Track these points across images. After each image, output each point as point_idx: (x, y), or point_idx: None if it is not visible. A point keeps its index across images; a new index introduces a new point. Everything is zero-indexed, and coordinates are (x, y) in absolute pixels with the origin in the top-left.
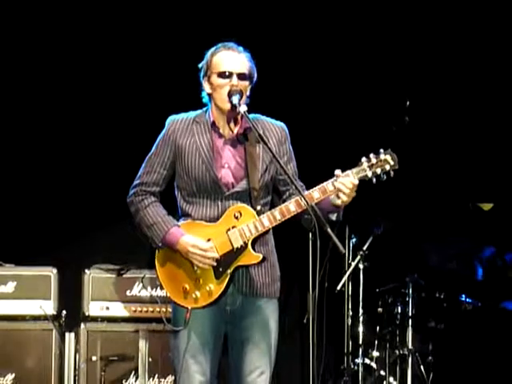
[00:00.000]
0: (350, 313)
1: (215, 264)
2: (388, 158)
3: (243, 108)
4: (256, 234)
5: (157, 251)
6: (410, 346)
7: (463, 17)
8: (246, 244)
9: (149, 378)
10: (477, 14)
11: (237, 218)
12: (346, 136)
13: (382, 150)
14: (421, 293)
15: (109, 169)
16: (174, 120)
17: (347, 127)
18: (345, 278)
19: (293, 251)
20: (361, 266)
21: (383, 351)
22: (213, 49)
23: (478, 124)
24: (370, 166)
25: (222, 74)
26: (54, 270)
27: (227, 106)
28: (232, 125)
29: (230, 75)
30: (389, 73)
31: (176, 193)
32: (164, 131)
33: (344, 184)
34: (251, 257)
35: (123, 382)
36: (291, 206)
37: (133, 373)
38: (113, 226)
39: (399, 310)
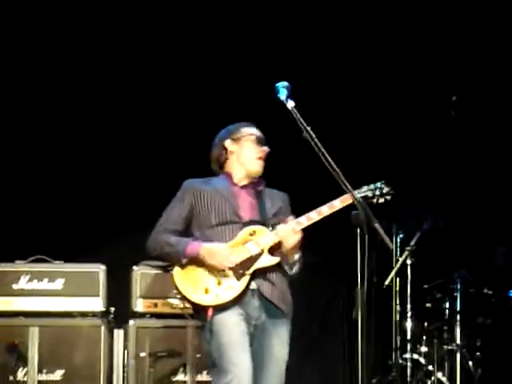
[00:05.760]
0: (398, 308)
1: (234, 264)
2: (383, 185)
3: (291, 104)
4: (272, 243)
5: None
6: (459, 342)
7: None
8: (262, 250)
9: (197, 374)
10: None
11: (252, 235)
12: (391, 134)
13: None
14: (469, 288)
15: (156, 167)
16: (190, 179)
17: (393, 124)
18: (392, 273)
19: (341, 246)
20: (408, 261)
21: (431, 346)
22: (240, 123)
23: None
24: (369, 190)
25: (255, 140)
26: (103, 267)
27: (253, 166)
28: (247, 179)
29: (263, 143)
30: (435, 68)
31: (195, 234)
32: (181, 188)
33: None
34: (268, 259)
35: (172, 377)
36: (302, 219)
37: (181, 369)
38: None
39: (447, 306)
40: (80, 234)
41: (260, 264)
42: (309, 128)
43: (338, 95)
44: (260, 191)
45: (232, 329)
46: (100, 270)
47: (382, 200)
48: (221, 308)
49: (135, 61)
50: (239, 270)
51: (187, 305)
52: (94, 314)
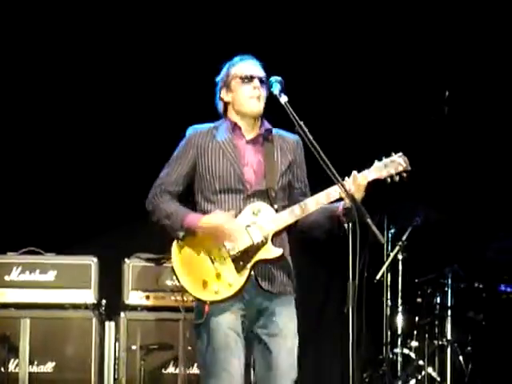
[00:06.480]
0: (389, 303)
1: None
2: (400, 160)
3: (284, 98)
4: (276, 229)
5: (174, 245)
6: (449, 337)
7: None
8: (265, 239)
9: (188, 367)
10: None
11: (256, 214)
12: (383, 128)
13: (393, 153)
14: (460, 283)
15: (148, 158)
16: (195, 127)
17: (385, 119)
18: (384, 268)
19: (332, 241)
20: (400, 256)
21: (422, 341)
22: (230, 61)
23: None
24: (385, 166)
25: (243, 78)
26: (95, 259)
27: (248, 107)
28: (253, 126)
29: (252, 78)
30: (427, 63)
31: (196, 197)
32: (185, 137)
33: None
34: (271, 251)
35: (163, 370)
36: (310, 202)
37: (172, 361)
38: None
39: (438, 301)
40: (72, 226)
41: (262, 255)
42: (302, 123)
43: (331, 90)
44: (269, 141)
45: (227, 332)
46: (92, 262)
47: (397, 178)
48: (218, 303)
49: (128, 52)
50: (240, 260)
51: (179, 298)
52: (85, 307)
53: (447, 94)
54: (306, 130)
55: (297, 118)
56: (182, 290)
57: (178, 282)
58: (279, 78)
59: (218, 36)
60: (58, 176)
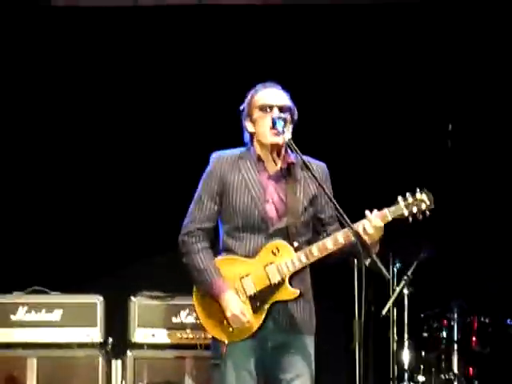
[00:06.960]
0: (396, 338)
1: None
2: (424, 197)
3: (287, 136)
4: (293, 270)
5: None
6: (456, 371)
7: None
8: (283, 280)
9: None
10: None
11: (274, 254)
12: (387, 163)
13: (418, 190)
14: (466, 317)
15: (155, 196)
16: (219, 156)
17: (388, 153)
18: (389, 303)
19: (338, 277)
20: (405, 291)
21: (429, 376)
22: (253, 90)
23: None
24: (407, 206)
25: (263, 108)
26: (100, 298)
27: (269, 139)
28: (276, 159)
29: (271, 108)
30: (430, 97)
31: (220, 226)
32: (210, 167)
33: (368, 227)
34: (288, 292)
35: None
36: (329, 243)
37: None
38: (160, 252)
39: (444, 335)
40: (77, 264)
41: (279, 297)
42: (306, 159)
43: (334, 126)
44: (292, 174)
45: (242, 373)
46: (98, 301)
47: (420, 217)
48: (234, 343)
49: (150, 86)
50: (257, 300)
51: (185, 335)
52: (91, 345)
53: (450, 127)
54: (313, 167)
55: (301, 154)
56: (198, 328)
57: (197, 317)
58: (283, 115)
59: (240, 60)
60: (63, 214)
